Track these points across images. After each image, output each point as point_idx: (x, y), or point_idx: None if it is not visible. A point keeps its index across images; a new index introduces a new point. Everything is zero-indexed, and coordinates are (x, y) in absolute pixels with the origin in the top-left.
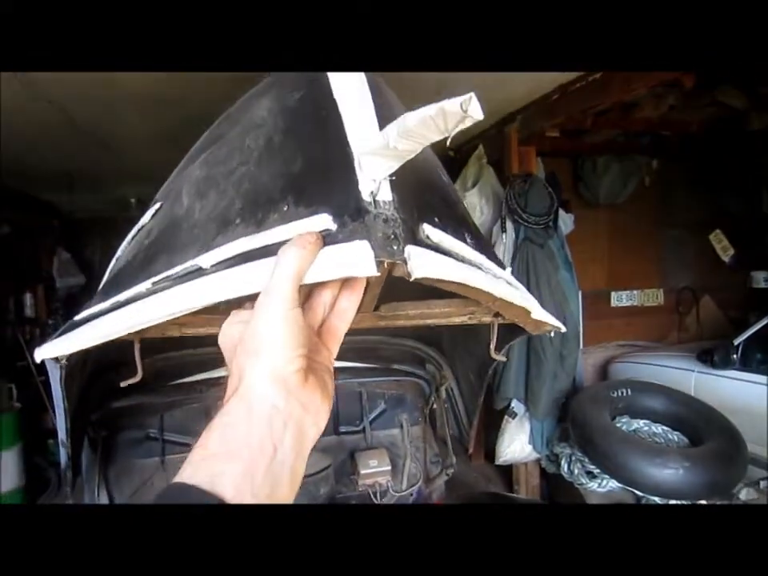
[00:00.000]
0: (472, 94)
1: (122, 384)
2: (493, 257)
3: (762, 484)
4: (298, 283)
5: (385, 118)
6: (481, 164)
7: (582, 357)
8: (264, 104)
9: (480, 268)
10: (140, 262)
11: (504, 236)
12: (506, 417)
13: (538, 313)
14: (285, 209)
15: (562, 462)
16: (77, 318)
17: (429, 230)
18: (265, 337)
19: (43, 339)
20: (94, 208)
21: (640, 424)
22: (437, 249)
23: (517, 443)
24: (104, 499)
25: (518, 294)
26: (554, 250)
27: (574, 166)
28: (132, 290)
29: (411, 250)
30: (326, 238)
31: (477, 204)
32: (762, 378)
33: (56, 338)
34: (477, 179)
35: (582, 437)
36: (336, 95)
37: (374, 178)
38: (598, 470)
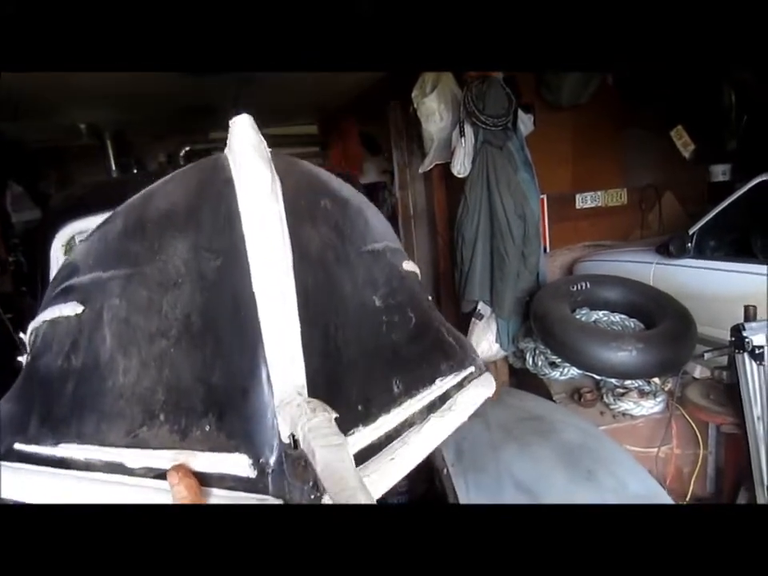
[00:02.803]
0: None
1: None
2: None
3: (707, 355)
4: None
5: (308, 313)
6: None
7: (544, 256)
8: (181, 251)
9: (403, 427)
10: (68, 401)
11: (463, 140)
12: (473, 319)
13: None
14: (207, 428)
15: (527, 356)
16: (17, 446)
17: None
18: None
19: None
20: (43, 137)
21: (599, 315)
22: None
23: (484, 343)
24: None
25: (446, 424)
26: (514, 152)
27: None
28: (66, 449)
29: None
30: (246, 484)
31: (436, 109)
32: (714, 264)
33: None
34: (435, 84)
35: (543, 329)
36: (255, 286)
37: (293, 421)
38: (559, 360)
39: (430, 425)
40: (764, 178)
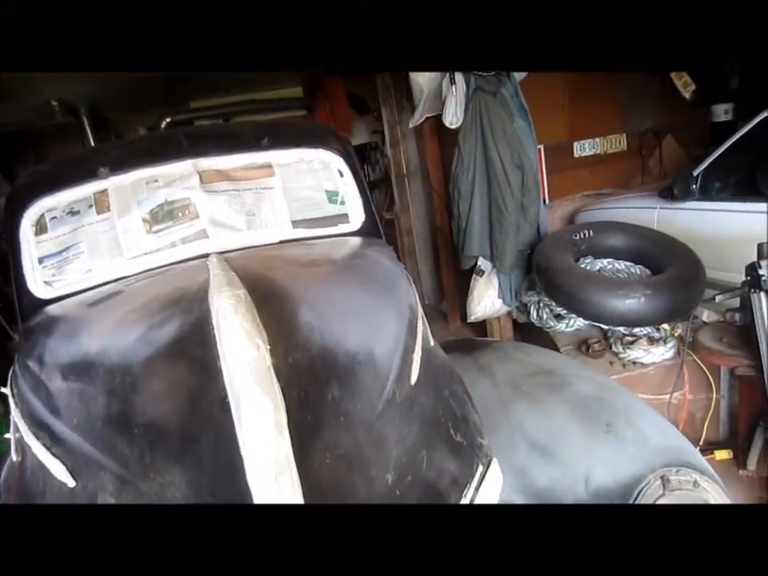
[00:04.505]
0: None
1: None
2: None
3: (718, 298)
4: None
5: None
6: None
7: (544, 208)
8: (180, 482)
9: None
10: None
11: (454, 88)
12: (474, 275)
13: None
14: None
15: (531, 310)
16: None
17: None
18: None
19: None
20: (16, 119)
21: (604, 263)
22: None
23: (486, 299)
24: None
25: None
26: (508, 98)
27: None
28: None
29: None
30: None
31: None
32: (720, 205)
33: None
34: None
35: (547, 281)
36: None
37: None
38: (565, 311)
39: None
40: None
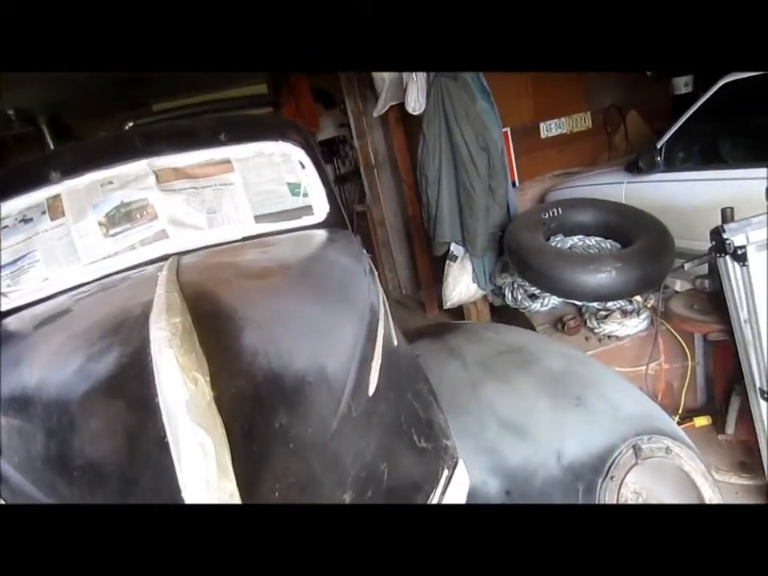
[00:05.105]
0: None
1: None
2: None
3: (687, 266)
4: None
5: None
6: None
7: (513, 191)
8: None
9: None
10: None
11: (415, 75)
12: (447, 262)
13: None
14: None
15: (506, 292)
16: None
17: None
18: None
19: None
20: None
21: (574, 240)
22: None
23: (461, 285)
24: None
25: None
26: (469, 80)
27: None
28: None
29: None
30: None
31: None
32: (685, 175)
33: None
34: None
35: (519, 261)
36: None
37: None
38: (539, 291)
39: None
40: (727, 80)
